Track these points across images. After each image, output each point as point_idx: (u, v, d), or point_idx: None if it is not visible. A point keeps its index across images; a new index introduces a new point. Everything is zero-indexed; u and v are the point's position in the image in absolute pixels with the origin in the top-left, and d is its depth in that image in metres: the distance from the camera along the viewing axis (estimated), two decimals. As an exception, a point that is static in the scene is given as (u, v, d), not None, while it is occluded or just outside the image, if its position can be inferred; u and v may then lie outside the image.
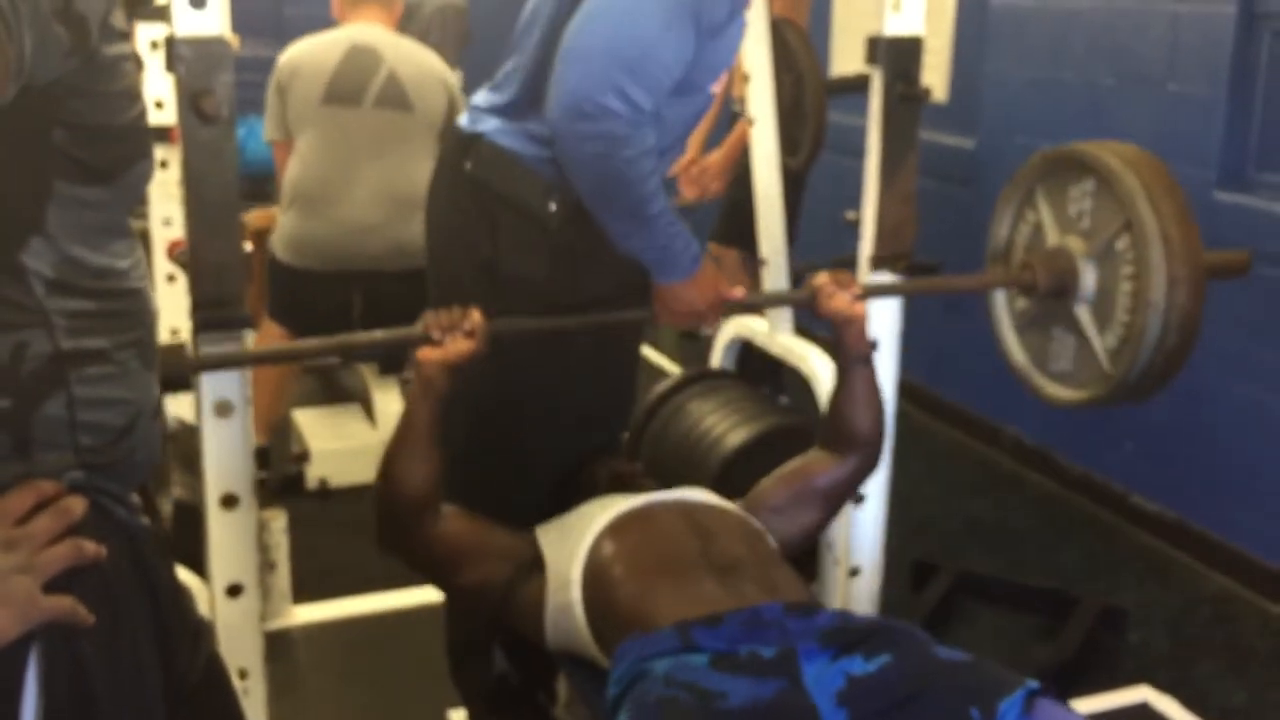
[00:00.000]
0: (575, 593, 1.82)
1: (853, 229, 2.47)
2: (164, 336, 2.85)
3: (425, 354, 1.87)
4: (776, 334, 3.13)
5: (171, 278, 3.39)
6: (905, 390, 2.71)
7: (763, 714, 1.47)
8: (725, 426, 2.88)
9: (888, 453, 2.52)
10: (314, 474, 3.77)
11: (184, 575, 1.65)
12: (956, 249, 3.37)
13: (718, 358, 3.39)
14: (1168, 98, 3.45)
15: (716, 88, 2.12)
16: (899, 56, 2.31)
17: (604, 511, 1.91)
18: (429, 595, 2.78)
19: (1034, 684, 1.51)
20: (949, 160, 4.31)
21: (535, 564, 1.90)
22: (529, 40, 2.03)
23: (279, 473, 3.74)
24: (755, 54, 2.99)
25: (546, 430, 2.16)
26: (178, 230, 3.35)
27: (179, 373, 1.76)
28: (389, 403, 3.89)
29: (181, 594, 1.30)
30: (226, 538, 1.94)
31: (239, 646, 1.96)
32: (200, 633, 1.33)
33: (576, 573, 1.83)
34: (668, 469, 2.83)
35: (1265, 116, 3.28)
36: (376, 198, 3.48)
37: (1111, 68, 3.66)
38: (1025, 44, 4.04)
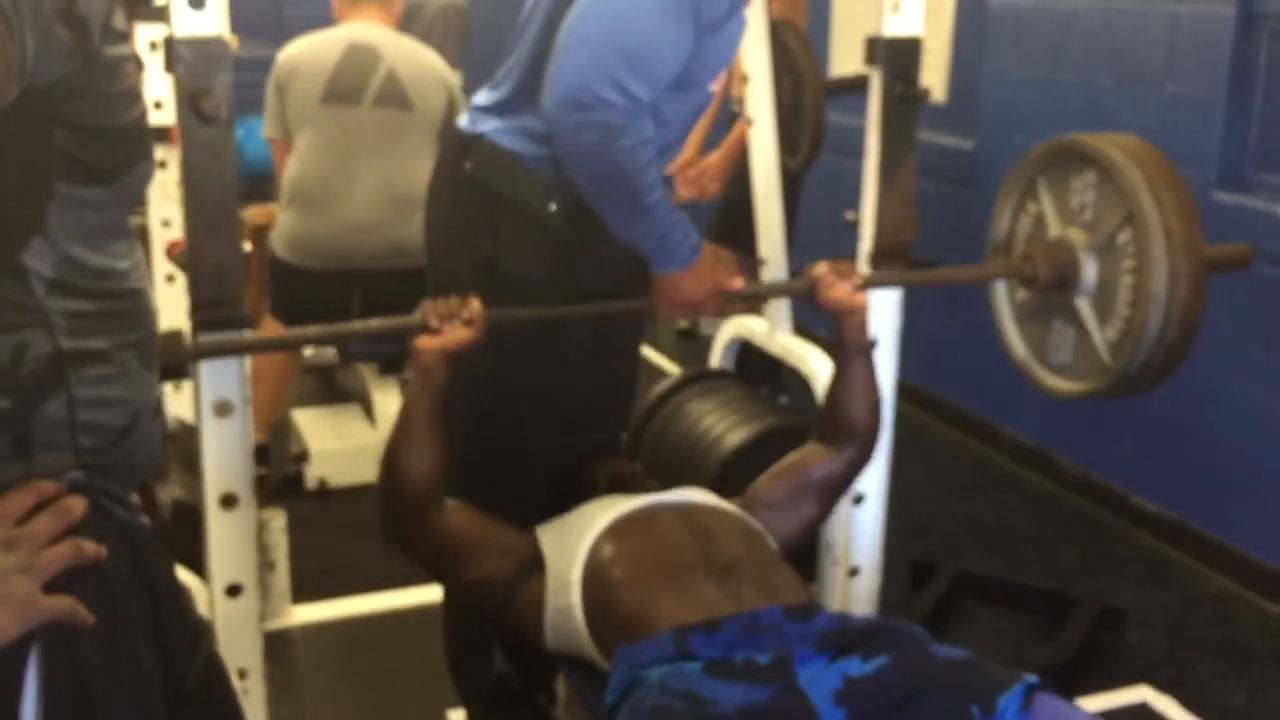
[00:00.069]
0: (575, 596, 1.82)
1: (852, 229, 2.47)
2: (163, 337, 2.84)
3: (423, 342, 1.87)
4: (776, 334, 3.13)
5: (170, 278, 3.39)
6: (904, 390, 2.71)
7: (758, 717, 1.47)
8: (725, 427, 2.88)
9: (887, 453, 2.53)
10: (313, 474, 3.77)
11: (183, 575, 1.65)
12: (955, 249, 3.38)
13: (717, 358, 3.39)
14: (1167, 98, 3.45)
15: (715, 86, 2.12)
16: (898, 57, 2.31)
17: (604, 513, 1.91)
18: (428, 595, 2.79)
19: (1033, 679, 1.51)
20: (948, 161, 4.31)
21: (535, 564, 1.90)
22: (527, 35, 2.03)
23: (278, 473, 3.74)
24: (754, 54, 2.99)
25: (546, 430, 2.16)
26: (177, 231, 3.34)
27: (177, 360, 1.76)
28: (388, 403, 3.89)
29: (181, 594, 1.30)
30: (226, 538, 1.94)
31: (238, 646, 1.96)
32: (200, 633, 1.33)
33: (576, 575, 1.83)
34: (667, 469, 2.83)
35: (1264, 117, 3.28)
36: (375, 197, 3.48)
37: (1110, 68, 3.66)
38: (1024, 44, 4.04)
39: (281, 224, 3.56)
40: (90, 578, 1.09)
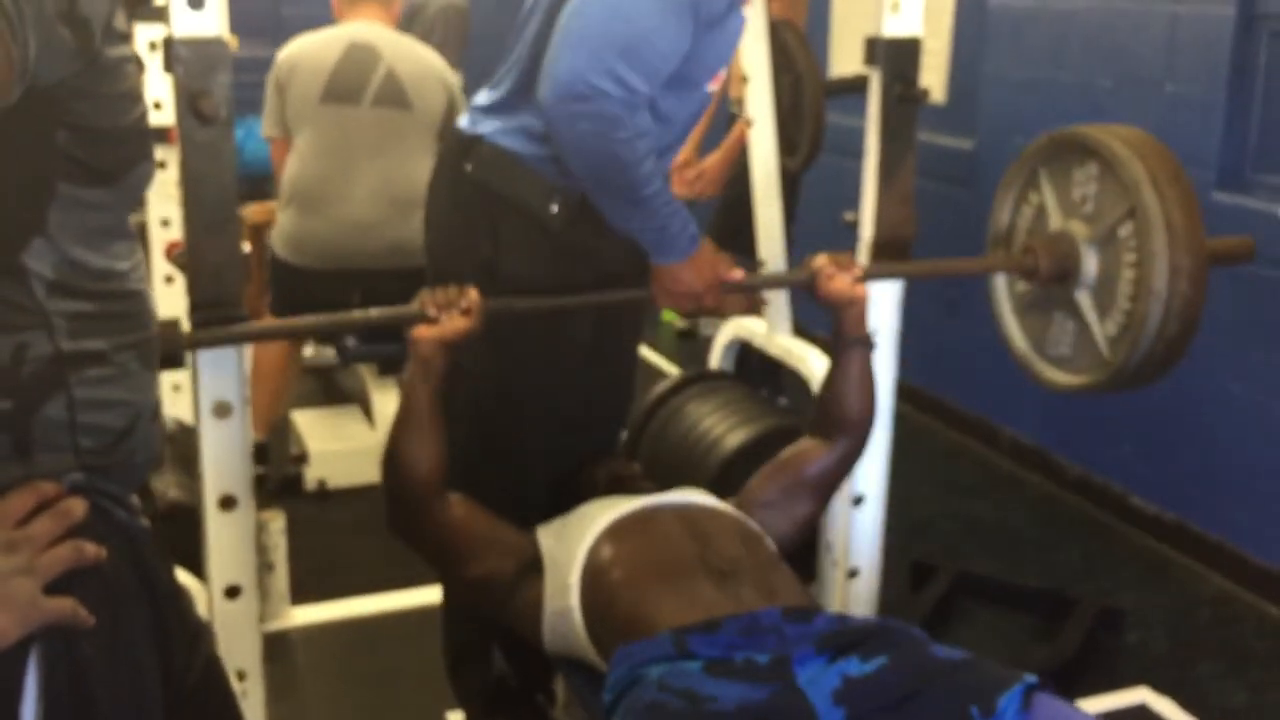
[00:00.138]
0: (573, 598, 1.81)
1: (851, 230, 2.47)
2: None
3: (420, 332, 1.87)
4: (775, 335, 3.13)
5: (170, 279, 3.39)
6: (904, 391, 2.71)
7: (756, 715, 1.47)
8: (724, 428, 2.88)
9: (886, 454, 2.53)
10: (312, 475, 3.77)
11: (182, 576, 1.65)
12: (955, 249, 3.37)
13: (717, 359, 3.39)
14: (1166, 98, 3.45)
15: (714, 86, 2.12)
16: (897, 57, 2.31)
17: (602, 514, 1.90)
18: (427, 597, 2.78)
19: (1032, 679, 1.51)
20: (947, 161, 4.31)
21: (534, 566, 1.90)
22: (527, 32, 2.03)
23: (278, 473, 3.74)
24: (754, 55, 2.99)
25: (545, 429, 2.16)
26: (176, 231, 3.34)
27: (174, 350, 1.75)
28: (388, 404, 3.89)
29: (181, 595, 1.30)
30: (225, 539, 1.94)
31: (237, 648, 1.96)
32: (199, 634, 1.33)
33: (574, 577, 1.82)
34: (667, 470, 2.83)
35: (1264, 117, 3.28)
36: (375, 196, 3.47)
37: (1110, 68, 3.66)
38: (1023, 45, 4.04)
39: (281, 224, 3.56)
40: (90, 579, 1.09)
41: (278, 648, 2.82)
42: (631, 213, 1.97)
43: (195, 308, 1.84)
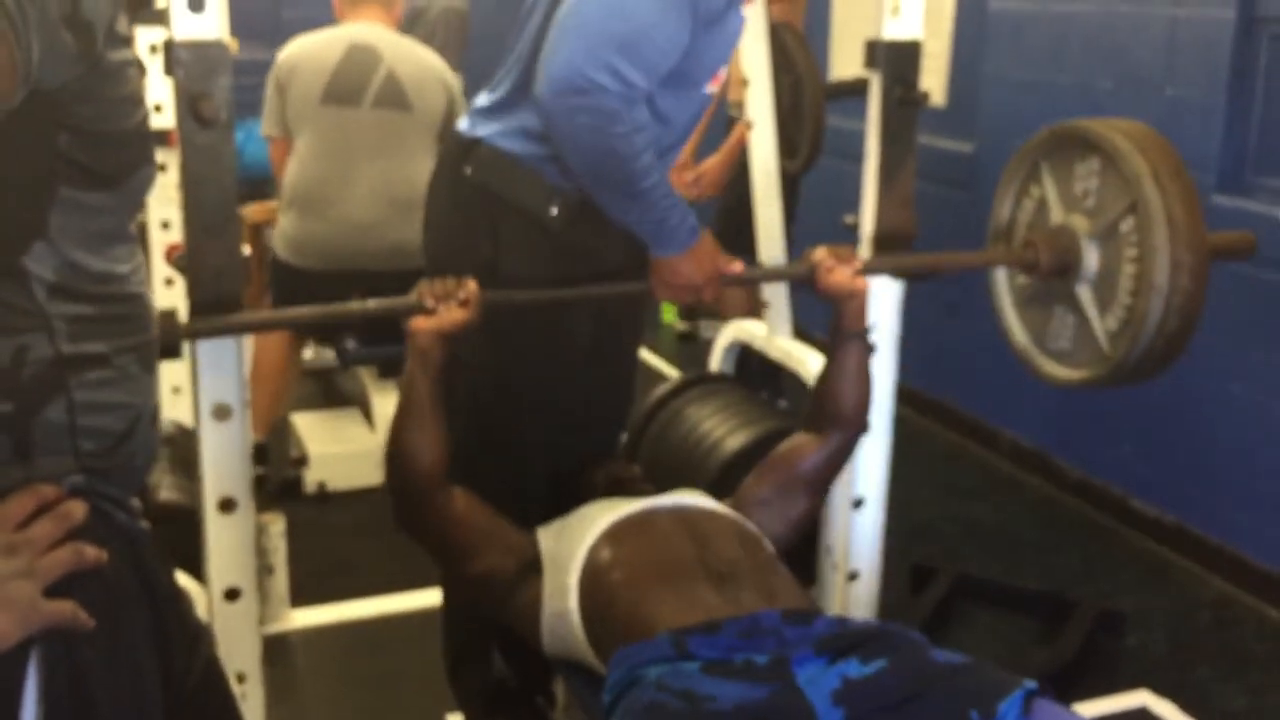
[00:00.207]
0: (572, 600, 1.81)
1: (851, 233, 2.47)
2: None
3: (418, 323, 1.87)
4: (775, 337, 3.13)
5: (170, 281, 3.39)
6: (903, 393, 2.70)
7: (755, 714, 1.47)
8: (724, 430, 2.88)
9: (886, 456, 2.53)
10: (312, 478, 3.76)
11: (182, 579, 1.65)
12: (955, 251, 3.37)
13: (717, 361, 3.39)
14: (1166, 101, 3.45)
15: (714, 88, 2.12)
16: (898, 60, 2.31)
17: (602, 516, 1.90)
18: (427, 599, 2.79)
19: (1032, 684, 1.51)
20: (947, 164, 4.31)
21: (534, 566, 1.90)
22: (527, 31, 2.03)
23: (278, 476, 3.74)
24: (754, 57, 2.99)
25: (544, 422, 2.16)
26: (176, 234, 3.35)
27: (172, 340, 1.75)
28: (388, 407, 3.88)
29: (181, 598, 1.30)
30: (224, 541, 1.94)
31: (237, 650, 1.96)
32: (199, 636, 1.33)
33: (573, 580, 1.82)
34: (667, 472, 2.83)
35: (1264, 120, 3.29)
36: (375, 198, 3.48)
37: (1110, 71, 3.66)
38: (1023, 47, 4.04)
39: (282, 225, 3.56)
40: (91, 582, 1.09)
41: (277, 650, 2.82)
42: (630, 206, 1.97)
43: (195, 310, 1.84)
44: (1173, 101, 3.44)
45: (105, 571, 1.10)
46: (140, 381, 1.19)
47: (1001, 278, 2.43)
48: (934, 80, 4.42)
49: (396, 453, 1.89)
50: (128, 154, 1.13)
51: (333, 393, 4.50)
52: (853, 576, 2.57)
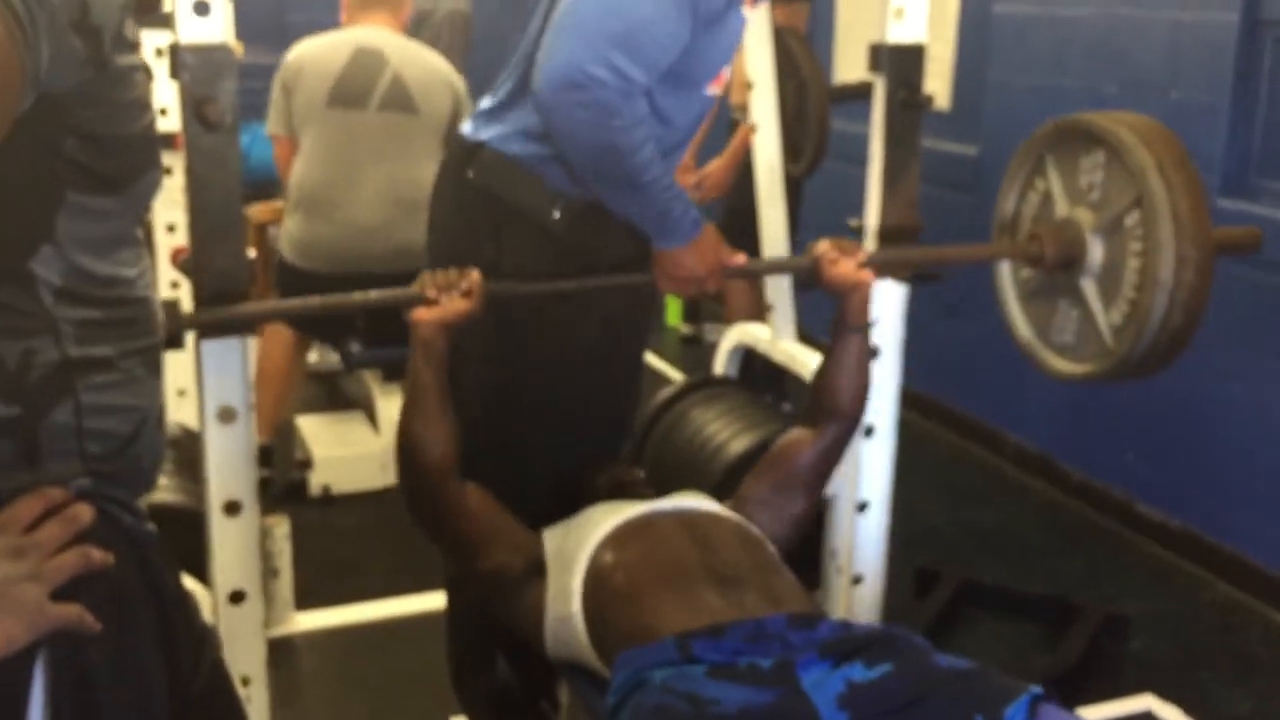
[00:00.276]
0: (575, 604, 1.81)
1: (856, 236, 2.47)
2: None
3: (420, 314, 1.87)
4: (779, 341, 3.13)
5: (175, 284, 3.39)
6: (907, 397, 2.70)
7: (760, 718, 1.47)
8: (728, 434, 2.88)
9: (890, 460, 2.52)
10: (317, 481, 3.77)
11: (187, 581, 1.65)
12: (959, 256, 3.37)
13: (721, 364, 3.39)
14: (1170, 104, 3.45)
15: (715, 89, 2.12)
16: (902, 64, 2.31)
17: (605, 519, 1.90)
18: (432, 602, 2.79)
19: (1037, 690, 1.51)
20: (952, 167, 4.31)
21: (538, 568, 1.90)
22: (529, 31, 2.04)
23: (282, 479, 3.74)
24: (759, 60, 2.99)
25: (547, 421, 2.16)
26: (181, 237, 3.35)
27: (174, 331, 1.75)
28: (392, 410, 3.88)
29: (186, 601, 1.30)
30: (229, 545, 1.94)
31: (242, 654, 1.96)
32: (205, 639, 1.33)
33: (576, 583, 1.82)
34: (671, 476, 2.83)
35: (1268, 123, 3.28)
36: (381, 200, 3.48)
37: (1114, 75, 3.66)
38: (1028, 51, 4.04)
39: (287, 228, 3.56)
40: (97, 585, 1.09)
41: (282, 653, 2.82)
42: (631, 199, 1.97)
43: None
44: (1177, 105, 3.44)
45: (112, 574, 1.10)
46: (146, 384, 1.19)
47: (1006, 271, 2.43)
48: (938, 84, 4.42)
49: (406, 445, 1.90)
50: (134, 158, 1.13)
51: (337, 396, 4.50)
52: (857, 580, 2.57)
